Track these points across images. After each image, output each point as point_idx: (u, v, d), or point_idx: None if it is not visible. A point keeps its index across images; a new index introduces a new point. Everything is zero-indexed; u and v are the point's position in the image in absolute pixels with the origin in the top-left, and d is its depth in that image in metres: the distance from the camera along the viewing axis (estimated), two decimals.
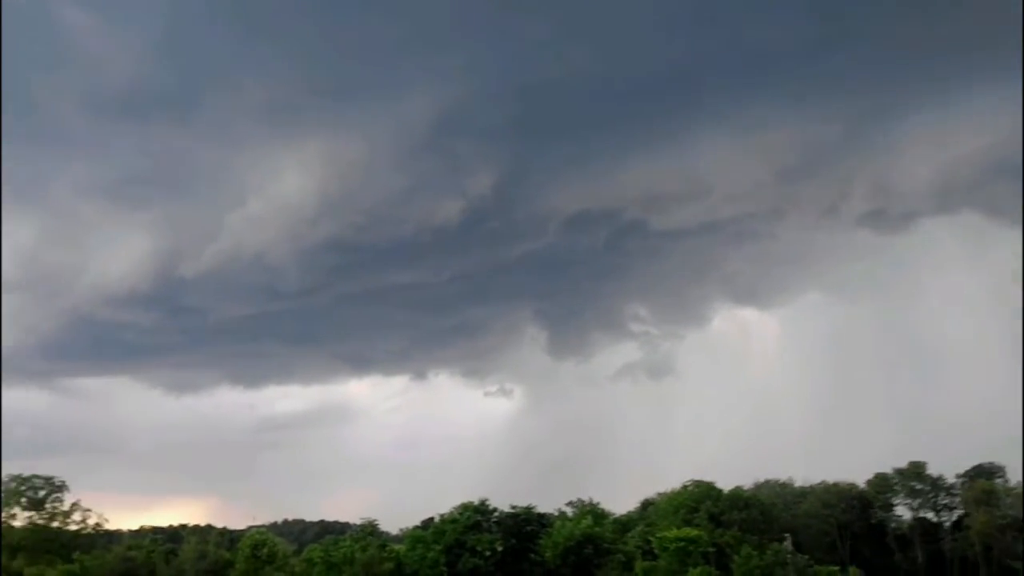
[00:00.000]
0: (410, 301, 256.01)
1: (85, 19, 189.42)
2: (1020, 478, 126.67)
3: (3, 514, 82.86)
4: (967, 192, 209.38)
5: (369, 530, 74.57)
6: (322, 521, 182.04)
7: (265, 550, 73.04)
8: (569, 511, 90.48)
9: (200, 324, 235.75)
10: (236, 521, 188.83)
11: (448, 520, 70.16)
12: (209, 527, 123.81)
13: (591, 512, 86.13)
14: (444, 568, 67.35)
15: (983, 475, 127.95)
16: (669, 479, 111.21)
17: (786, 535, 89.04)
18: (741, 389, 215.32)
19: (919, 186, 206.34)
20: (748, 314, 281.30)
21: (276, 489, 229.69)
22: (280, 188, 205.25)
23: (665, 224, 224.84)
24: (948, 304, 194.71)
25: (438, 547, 68.39)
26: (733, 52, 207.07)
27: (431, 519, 74.81)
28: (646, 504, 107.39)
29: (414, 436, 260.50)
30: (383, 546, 70.93)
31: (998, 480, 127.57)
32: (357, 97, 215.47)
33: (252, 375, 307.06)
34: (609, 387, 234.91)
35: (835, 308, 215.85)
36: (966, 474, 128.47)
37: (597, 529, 73.33)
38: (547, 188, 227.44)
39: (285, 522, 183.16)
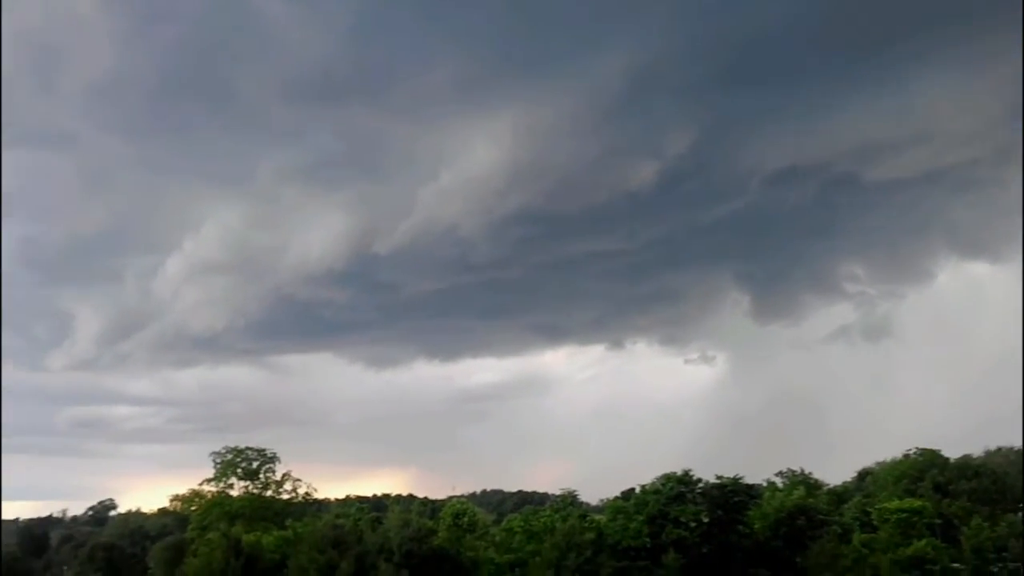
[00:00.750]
0: (604, 269, 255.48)
1: (282, 8, 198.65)
2: None
3: (221, 484, 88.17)
4: None
5: (569, 500, 74.34)
6: (520, 491, 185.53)
7: (466, 519, 74.39)
8: (779, 481, 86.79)
9: (395, 299, 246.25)
10: (436, 491, 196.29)
11: (650, 491, 68.72)
12: (411, 496, 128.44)
13: (803, 482, 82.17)
14: (647, 539, 65.68)
15: None
16: (888, 448, 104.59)
17: (1021, 506, 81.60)
18: (969, 350, 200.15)
19: None
20: (977, 268, 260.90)
21: (474, 460, 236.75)
22: (471, 161, 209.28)
23: (880, 175, 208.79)
24: None
25: (640, 518, 67.19)
26: None
27: (632, 490, 73.42)
28: (863, 474, 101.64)
29: (612, 405, 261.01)
30: (583, 516, 70.22)
31: None
32: (548, 65, 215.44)
33: (448, 348, 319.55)
34: (821, 351, 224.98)
35: None
36: None
37: (810, 500, 69.56)
38: (748, 144, 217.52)
39: (484, 492, 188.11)
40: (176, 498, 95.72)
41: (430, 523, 74.56)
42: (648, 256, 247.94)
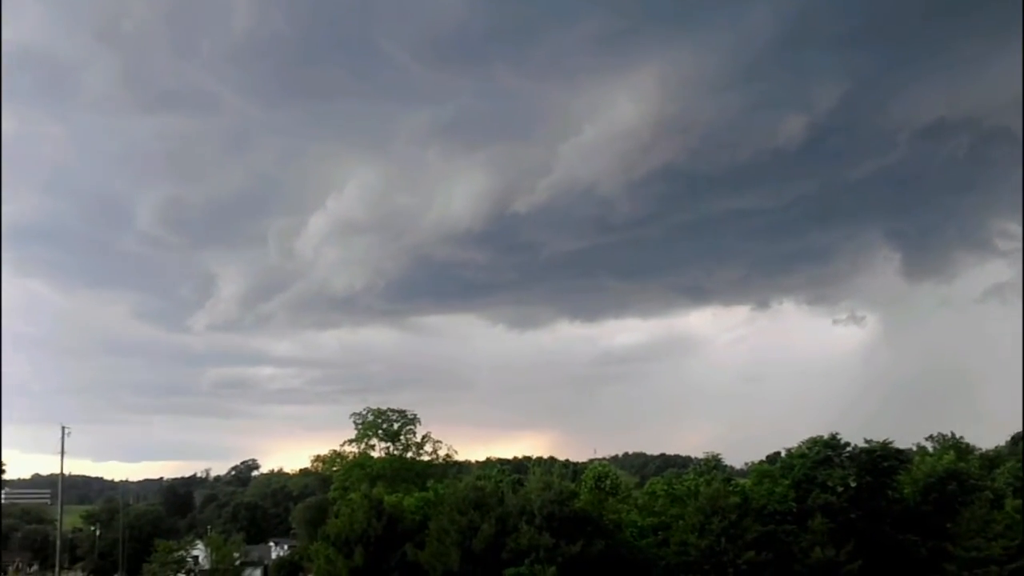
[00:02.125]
0: (748, 228, 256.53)
1: None
2: None
3: (362, 445, 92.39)
4: None
5: (713, 463, 76.59)
6: (663, 454, 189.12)
7: (608, 482, 77.18)
8: (929, 446, 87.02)
9: (535, 260, 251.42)
10: (578, 454, 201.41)
11: (796, 454, 70.50)
12: (552, 459, 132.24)
13: (954, 447, 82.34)
14: (793, 503, 67.45)
15: None
16: None
17: None
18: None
19: None
20: None
21: (617, 422, 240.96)
22: (613, 116, 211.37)
23: None
24: None
25: (786, 482, 69.01)
26: None
27: (777, 453, 74.86)
28: (1017, 438, 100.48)
29: (757, 367, 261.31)
30: (728, 480, 72.17)
31: None
32: (693, 17, 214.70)
33: (589, 309, 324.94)
34: (974, 310, 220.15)
35: None
36: None
37: (961, 465, 69.97)
38: (898, 98, 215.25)
39: (626, 455, 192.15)
40: (317, 459, 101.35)
41: (572, 485, 77.67)
42: (794, 214, 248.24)
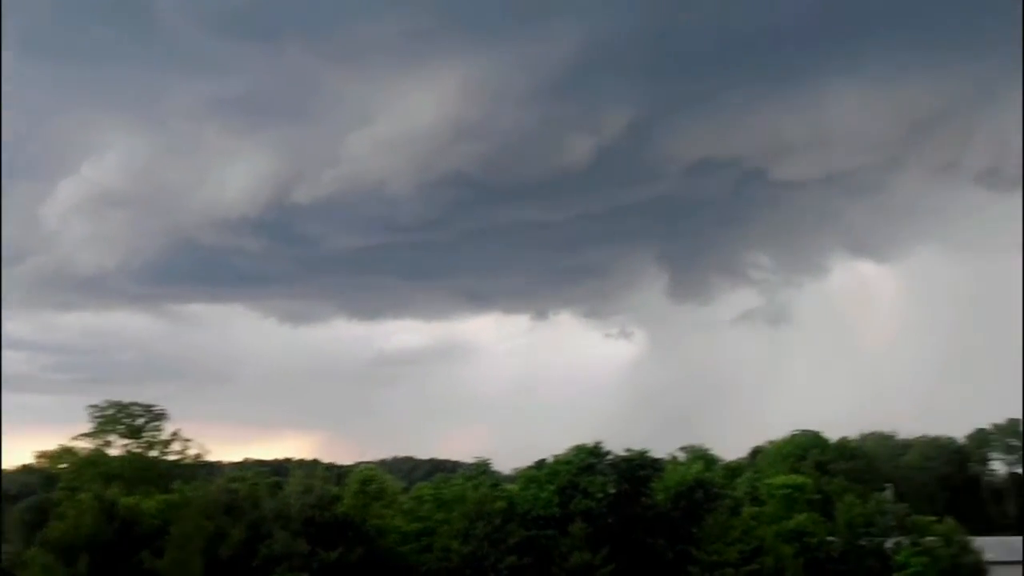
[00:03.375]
0: (534, 239, 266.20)
1: None
2: None
3: (98, 441, 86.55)
4: None
5: (482, 469, 78.63)
6: (433, 459, 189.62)
7: (374, 486, 76.95)
8: (681, 456, 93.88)
9: (313, 253, 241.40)
10: (344, 456, 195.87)
11: (562, 461, 74.05)
12: (316, 461, 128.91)
13: (703, 457, 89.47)
14: (557, 508, 70.66)
15: None
16: (780, 427, 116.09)
17: (888, 485, 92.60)
18: (856, 340, 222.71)
19: None
20: (866, 267, 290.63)
21: (387, 425, 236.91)
22: (410, 114, 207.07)
23: (785, 174, 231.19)
24: None
25: (551, 487, 72.21)
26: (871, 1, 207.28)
27: (544, 460, 77.94)
28: (755, 451, 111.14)
29: (532, 376, 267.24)
30: (495, 485, 74.32)
31: None
32: (501, 28, 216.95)
33: (368, 308, 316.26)
34: (728, 332, 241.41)
35: (950, 264, 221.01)
36: None
37: (708, 474, 76.58)
38: (675, 132, 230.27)
39: (395, 459, 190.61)
40: (42, 455, 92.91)
41: (335, 489, 76.66)
42: (577, 230, 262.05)
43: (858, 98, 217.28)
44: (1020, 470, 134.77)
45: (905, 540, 79.34)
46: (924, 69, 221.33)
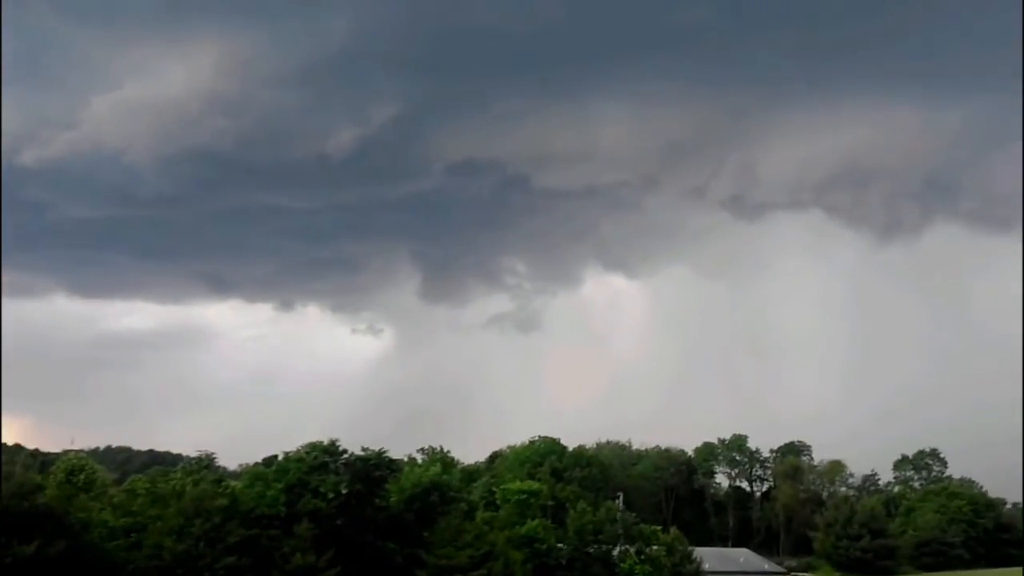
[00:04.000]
0: (284, 226, 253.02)
1: None
2: (824, 457, 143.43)
3: None
4: (817, 192, 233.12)
5: (205, 463, 74.54)
6: (151, 451, 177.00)
7: (82, 476, 70.97)
8: (419, 457, 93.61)
9: (37, 221, 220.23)
10: (53, 444, 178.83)
11: (293, 459, 71.59)
12: (18, 447, 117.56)
13: (441, 460, 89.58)
14: (283, 507, 68.25)
15: (792, 452, 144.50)
16: (522, 432, 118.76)
17: (619, 494, 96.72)
18: (602, 351, 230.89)
19: (777, 180, 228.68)
20: (617, 281, 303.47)
21: (104, 412, 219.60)
22: (158, 82, 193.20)
23: (547, 183, 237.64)
24: (790, 294, 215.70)
25: (279, 486, 69.66)
26: (642, 25, 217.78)
27: (275, 456, 75.12)
28: (495, 456, 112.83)
29: (272, 368, 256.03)
30: (219, 481, 70.74)
31: (804, 457, 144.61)
32: (265, 6, 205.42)
33: (94, 285, 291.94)
34: (478, 336, 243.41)
35: (695, 284, 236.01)
36: (779, 450, 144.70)
37: (445, 477, 76.81)
38: (442, 132, 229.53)
39: (108, 448, 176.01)
40: None
41: (38, 478, 70.01)
42: (331, 220, 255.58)
43: (622, 117, 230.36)
44: (742, 484, 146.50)
45: (631, 548, 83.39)
46: (683, 97, 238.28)
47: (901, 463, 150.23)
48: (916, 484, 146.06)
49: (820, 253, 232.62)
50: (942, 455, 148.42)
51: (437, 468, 79.75)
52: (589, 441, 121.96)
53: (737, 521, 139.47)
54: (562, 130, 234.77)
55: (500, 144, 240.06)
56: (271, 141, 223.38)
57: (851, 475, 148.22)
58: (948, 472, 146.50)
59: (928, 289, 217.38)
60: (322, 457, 73.42)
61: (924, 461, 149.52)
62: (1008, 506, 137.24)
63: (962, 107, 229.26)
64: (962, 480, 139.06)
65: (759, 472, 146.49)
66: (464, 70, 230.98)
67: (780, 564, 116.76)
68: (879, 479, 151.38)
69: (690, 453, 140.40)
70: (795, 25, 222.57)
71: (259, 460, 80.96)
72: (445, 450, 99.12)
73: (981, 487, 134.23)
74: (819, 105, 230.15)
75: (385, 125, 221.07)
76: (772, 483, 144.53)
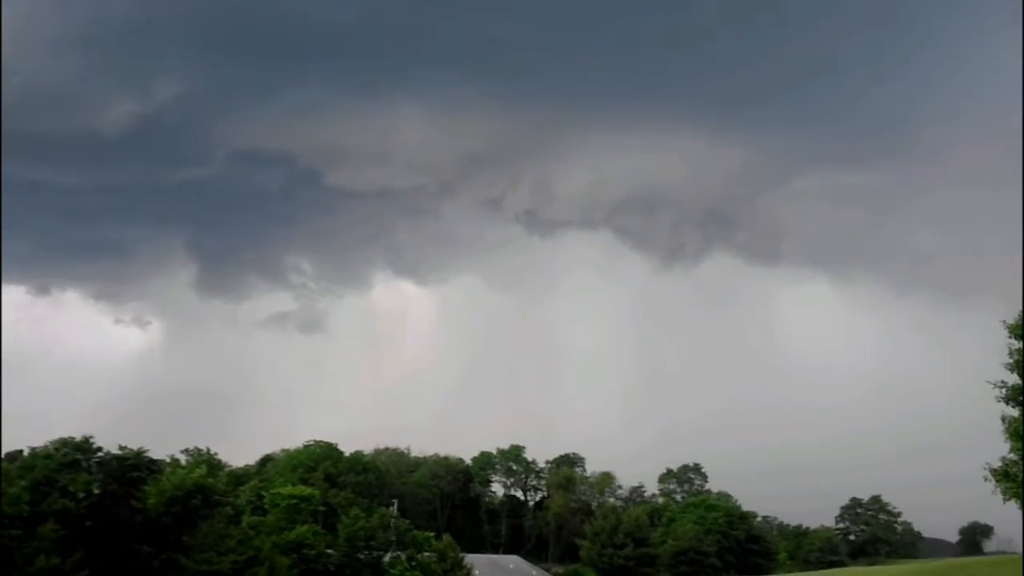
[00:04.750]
0: (44, 203, 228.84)
1: None
2: (597, 469, 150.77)
3: None
4: (608, 213, 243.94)
5: None
6: None
7: None
8: (183, 459, 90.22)
9: None
10: None
11: (41, 455, 66.99)
12: None
13: (207, 462, 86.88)
14: (27, 507, 64.18)
15: (567, 463, 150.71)
16: (298, 436, 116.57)
17: (394, 500, 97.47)
18: (387, 357, 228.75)
19: (571, 198, 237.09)
20: (407, 287, 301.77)
21: None
22: None
23: (341, 181, 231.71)
24: (578, 311, 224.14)
25: (22, 483, 65.22)
26: (450, 30, 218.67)
27: (20, 452, 70.41)
28: (266, 459, 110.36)
29: (23, 357, 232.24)
30: None
31: (578, 469, 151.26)
32: None
33: None
34: (256, 335, 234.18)
35: (485, 295, 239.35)
36: (554, 461, 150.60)
37: (210, 480, 74.65)
38: (230, 118, 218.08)
39: None
40: None
41: None
42: (99, 201, 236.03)
43: (423, 122, 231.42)
44: (517, 493, 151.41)
45: (403, 555, 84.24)
46: (485, 107, 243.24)
47: (666, 476, 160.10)
48: (678, 496, 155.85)
49: (609, 273, 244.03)
50: (704, 470, 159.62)
51: (202, 470, 77.40)
52: (367, 447, 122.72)
53: (510, 529, 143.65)
54: (360, 128, 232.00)
55: (292, 136, 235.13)
56: (38, 109, 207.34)
57: (620, 487, 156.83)
58: (708, 486, 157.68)
59: (703, 313, 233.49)
60: (73, 454, 69.80)
61: (687, 475, 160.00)
62: (759, 519, 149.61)
63: (745, 146, 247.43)
64: (720, 494, 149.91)
65: (534, 482, 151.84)
66: (260, 54, 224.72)
67: (548, 571, 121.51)
68: (645, 491, 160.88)
69: (468, 462, 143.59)
70: (599, 49, 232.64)
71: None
72: (212, 452, 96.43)
73: (736, 500, 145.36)
74: (615, 129, 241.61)
75: (167, 104, 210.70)
76: (546, 493, 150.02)
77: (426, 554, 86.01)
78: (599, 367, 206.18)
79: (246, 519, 78.32)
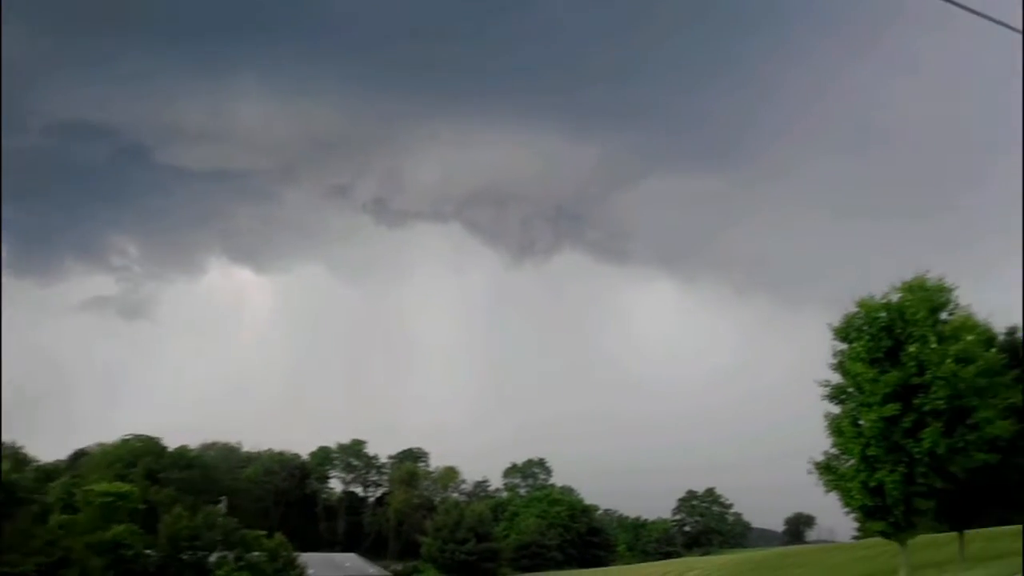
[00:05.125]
0: None
1: None
2: (441, 464, 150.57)
3: None
4: (459, 205, 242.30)
5: None
6: None
7: None
8: None
9: None
10: None
11: None
12: None
13: (12, 457, 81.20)
14: None
15: (411, 458, 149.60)
16: (116, 429, 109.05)
17: (223, 498, 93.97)
18: (221, 347, 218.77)
19: (422, 190, 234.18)
20: (244, 274, 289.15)
21: None
22: None
23: (173, 159, 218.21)
24: (426, 305, 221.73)
25: None
26: (299, 5, 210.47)
27: None
28: (79, 454, 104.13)
29: None
30: None
31: (421, 464, 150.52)
32: None
33: None
34: (71, 319, 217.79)
35: (330, 286, 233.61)
36: (397, 456, 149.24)
37: (15, 476, 69.57)
38: (48, 84, 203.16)
39: None
40: None
41: None
42: None
43: (266, 101, 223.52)
44: (356, 489, 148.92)
45: (230, 555, 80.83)
46: (334, 90, 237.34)
47: (511, 471, 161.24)
48: (523, 491, 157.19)
49: (458, 267, 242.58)
50: (548, 464, 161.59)
51: (6, 466, 72.25)
52: (196, 441, 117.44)
53: (348, 526, 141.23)
54: (195, 103, 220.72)
55: (120, 108, 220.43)
56: None
57: (464, 482, 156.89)
58: (552, 480, 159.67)
59: (553, 310, 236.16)
60: None
61: (532, 470, 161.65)
62: (600, 512, 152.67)
63: (599, 145, 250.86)
64: (563, 488, 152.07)
65: (375, 478, 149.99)
66: (83, 20, 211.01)
67: (387, 568, 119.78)
68: (490, 486, 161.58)
69: (305, 457, 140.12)
70: (456, 41, 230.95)
71: None
72: (17, 446, 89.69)
73: (579, 495, 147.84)
74: (470, 122, 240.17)
75: None
76: (387, 489, 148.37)
77: (256, 554, 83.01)
78: (446, 362, 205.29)
79: (55, 518, 73.60)
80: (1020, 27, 15.26)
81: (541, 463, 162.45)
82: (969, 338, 35.18)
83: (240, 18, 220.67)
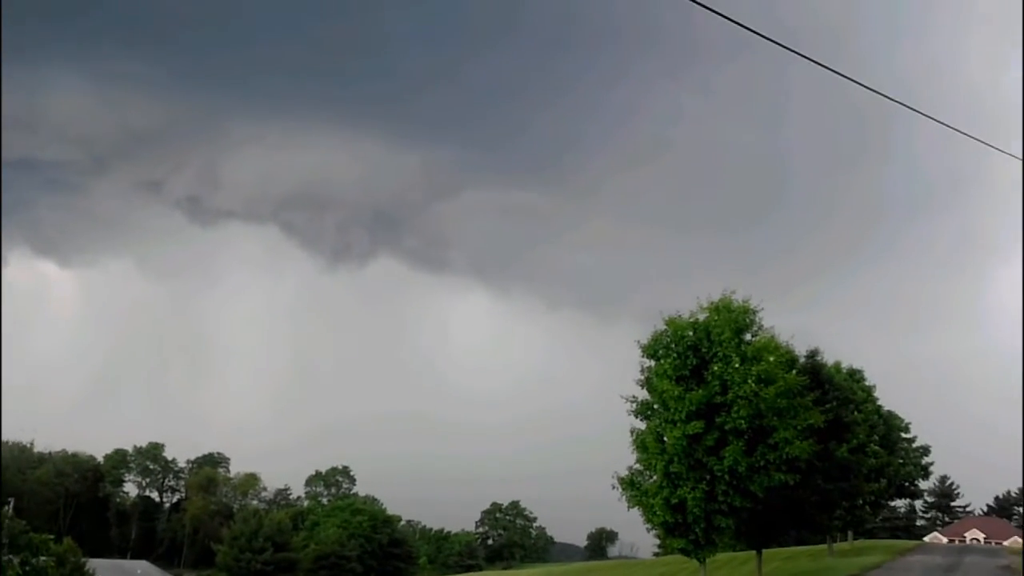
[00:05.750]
0: None
1: None
2: (242, 470, 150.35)
3: None
4: (275, 207, 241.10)
5: None
6: None
7: None
8: None
9: None
10: None
11: None
12: None
13: None
14: None
15: (210, 463, 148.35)
16: None
17: (10, 500, 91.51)
18: (16, 345, 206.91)
19: (237, 189, 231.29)
20: (47, 267, 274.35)
21: None
22: None
23: None
24: (237, 306, 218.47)
25: None
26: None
27: None
28: None
29: None
30: None
31: (221, 470, 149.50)
32: None
33: None
34: None
35: (137, 283, 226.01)
36: (196, 460, 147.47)
37: None
38: None
39: None
40: None
41: None
42: None
43: (77, 91, 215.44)
44: (152, 494, 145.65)
45: (15, 559, 78.71)
46: (151, 83, 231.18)
47: (314, 479, 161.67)
48: (325, 500, 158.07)
49: (272, 269, 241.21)
50: (352, 473, 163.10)
51: None
52: None
53: (141, 532, 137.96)
54: (3, 90, 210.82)
55: None
56: None
57: (265, 488, 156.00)
58: (356, 489, 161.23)
59: (365, 316, 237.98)
60: None
61: (335, 478, 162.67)
62: (403, 523, 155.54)
63: (420, 155, 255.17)
64: (367, 497, 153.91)
65: (172, 483, 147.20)
66: None
67: None
68: (291, 493, 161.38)
69: (100, 459, 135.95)
70: (281, 42, 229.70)
71: None
72: None
73: (382, 505, 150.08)
74: (290, 123, 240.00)
75: None
76: (184, 494, 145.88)
77: (43, 558, 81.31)
78: (254, 365, 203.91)
79: None
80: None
81: (345, 471, 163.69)
82: (771, 359, 36.67)
83: (56, 2, 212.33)
